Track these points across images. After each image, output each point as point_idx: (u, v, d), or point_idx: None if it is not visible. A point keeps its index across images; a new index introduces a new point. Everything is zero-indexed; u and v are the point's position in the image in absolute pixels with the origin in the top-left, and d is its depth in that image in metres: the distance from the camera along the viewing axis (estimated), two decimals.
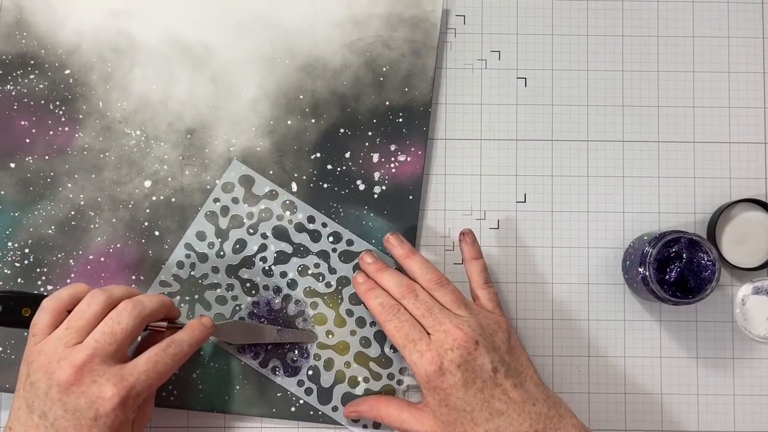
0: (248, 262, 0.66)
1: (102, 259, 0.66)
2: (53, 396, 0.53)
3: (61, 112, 0.67)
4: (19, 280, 0.65)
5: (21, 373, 0.55)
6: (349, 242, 0.66)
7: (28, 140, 0.66)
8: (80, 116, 0.67)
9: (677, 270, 0.61)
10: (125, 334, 0.55)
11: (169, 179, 0.67)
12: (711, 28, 0.69)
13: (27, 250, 0.66)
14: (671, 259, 0.61)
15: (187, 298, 0.65)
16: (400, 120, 0.67)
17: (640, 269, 0.61)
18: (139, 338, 0.60)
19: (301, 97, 0.67)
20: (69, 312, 0.57)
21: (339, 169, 0.67)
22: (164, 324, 0.59)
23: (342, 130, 0.67)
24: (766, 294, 0.67)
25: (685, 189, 0.68)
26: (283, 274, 0.66)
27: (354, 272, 0.65)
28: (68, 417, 0.52)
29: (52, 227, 0.66)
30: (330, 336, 0.65)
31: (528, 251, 0.67)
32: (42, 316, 0.56)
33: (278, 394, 0.65)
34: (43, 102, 0.67)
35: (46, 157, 0.66)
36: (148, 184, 0.67)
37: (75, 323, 0.55)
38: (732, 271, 0.67)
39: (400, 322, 0.58)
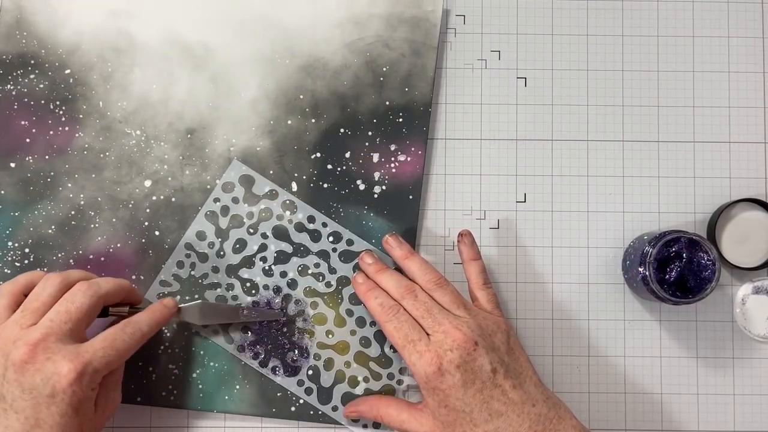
0: (248, 261, 0.66)
1: (102, 258, 0.66)
2: (10, 377, 0.53)
3: (61, 112, 0.67)
4: None
5: None
6: (349, 242, 0.66)
7: (28, 140, 0.66)
8: (80, 116, 0.67)
9: (677, 270, 0.61)
10: (80, 313, 0.55)
11: (169, 179, 0.66)
12: (711, 28, 0.69)
13: (27, 250, 0.65)
14: (671, 258, 0.61)
15: (187, 297, 0.65)
16: (400, 120, 0.67)
17: (640, 269, 0.61)
18: (106, 326, 0.60)
19: (301, 97, 0.67)
20: (26, 296, 0.57)
21: (339, 168, 0.67)
22: (125, 308, 0.60)
23: (342, 130, 0.67)
24: (766, 294, 0.66)
25: (685, 189, 0.68)
26: (283, 274, 0.66)
27: (354, 272, 0.65)
28: (25, 397, 0.53)
29: (52, 227, 0.66)
30: (330, 336, 0.65)
31: (528, 251, 0.67)
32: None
33: (278, 394, 0.65)
34: (43, 102, 0.67)
35: (47, 157, 0.66)
36: (148, 183, 0.66)
37: (30, 305, 0.56)
38: (732, 271, 0.67)
39: (400, 323, 0.58)
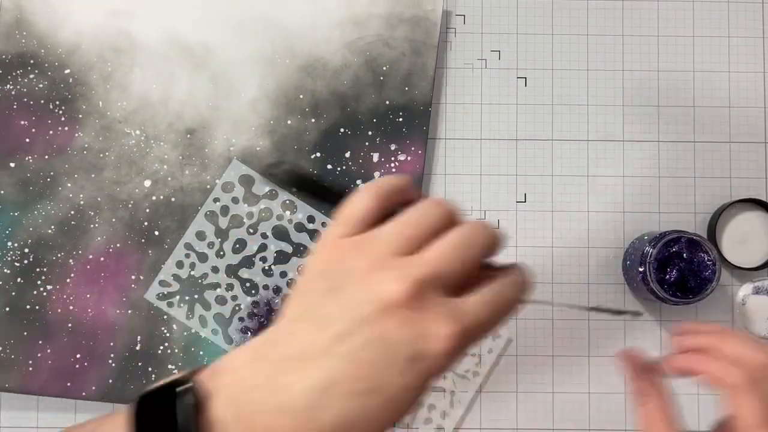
0: (248, 261, 0.66)
1: (102, 258, 0.65)
2: (365, 315, 0.36)
3: (60, 112, 0.67)
4: (18, 279, 0.65)
5: (303, 281, 0.39)
6: None
7: (27, 140, 0.66)
8: (80, 116, 0.67)
9: (677, 270, 0.61)
10: (473, 264, 0.38)
11: (169, 179, 0.66)
12: (711, 28, 0.69)
13: (27, 250, 0.65)
14: (671, 258, 0.61)
15: (186, 297, 0.65)
16: (401, 119, 0.67)
17: (640, 269, 0.61)
18: None
19: (301, 96, 0.67)
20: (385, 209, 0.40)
21: (339, 168, 0.66)
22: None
23: (342, 130, 0.67)
24: (766, 294, 0.66)
25: (685, 189, 0.68)
26: (283, 274, 0.65)
27: None
28: (375, 347, 0.36)
29: (52, 227, 0.66)
30: None
31: (528, 251, 0.67)
32: (358, 204, 0.39)
33: None
34: (43, 102, 0.66)
35: (46, 157, 0.66)
36: (147, 183, 0.66)
37: (407, 229, 0.38)
38: (732, 271, 0.67)
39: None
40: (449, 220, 0.39)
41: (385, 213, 0.39)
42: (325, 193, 0.42)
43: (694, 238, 0.60)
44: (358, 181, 0.66)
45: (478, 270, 0.38)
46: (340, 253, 0.38)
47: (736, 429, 0.48)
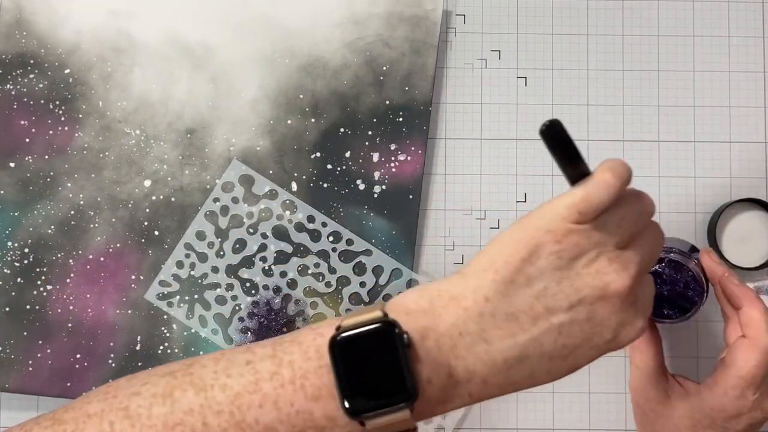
0: (248, 261, 0.65)
1: (102, 258, 0.65)
2: (583, 296, 0.40)
3: (60, 112, 0.66)
4: (18, 279, 0.65)
5: (531, 253, 0.40)
6: (349, 242, 0.66)
7: (27, 140, 0.66)
8: (80, 116, 0.66)
9: (667, 288, 0.60)
10: (650, 267, 0.43)
11: (169, 179, 0.66)
12: (711, 28, 0.69)
13: (26, 250, 0.65)
14: (658, 275, 0.59)
15: (186, 297, 0.65)
16: (401, 119, 0.66)
17: None
18: None
19: (301, 96, 0.67)
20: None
21: (339, 168, 0.66)
22: None
23: (342, 130, 0.66)
24: (766, 294, 0.66)
25: (685, 189, 0.67)
26: (283, 274, 0.65)
27: (353, 271, 0.65)
28: (583, 325, 0.40)
29: (52, 227, 0.65)
30: None
31: None
32: (609, 194, 0.41)
33: None
34: (42, 101, 0.66)
35: (46, 157, 0.66)
36: (147, 183, 0.66)
37: (630, 226, 0.42)
38: (732, 271, 0.66)
39: None
40: (650, 227, 0.44)
41: None
42: (572, 163, 0.43)
43: (676, 260, 0.58)
44: (358, 181, 0.66)
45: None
46: (572, 240, 0.40)
47: (734, 372, 0.54)
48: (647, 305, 0.43)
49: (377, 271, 0.65)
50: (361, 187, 0.66)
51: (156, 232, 0.65)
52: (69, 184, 0.66)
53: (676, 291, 0.60)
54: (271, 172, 0.66)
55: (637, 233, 0.42)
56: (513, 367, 0.40)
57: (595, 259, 0.41)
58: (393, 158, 0.66)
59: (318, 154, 0.66)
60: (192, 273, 0.65)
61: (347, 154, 0.66)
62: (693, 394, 0.57)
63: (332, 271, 0.65)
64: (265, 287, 0.65)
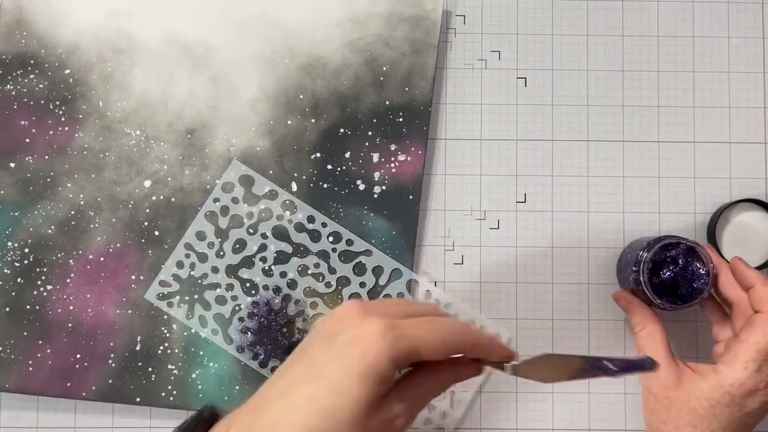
0: (248, 262, 0.64)
1: (102, 259, 0.64)
2: (322, 328, 0.45)
3: (60, 112, 0.65)
4: (18, 279, 0.64)
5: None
6: (349, 242, 0.65)
7: (27, 140, 0.65)
8: (80, 116, 0.65)
9: (671, 274, 0.59)
10: (401, 311, 0.46)
11: (169, 179, 0.65)
12: (711, 28, 0.68)
13: (27, 250, 0.64)
14: (666, 262, 0.59)
15: (186, 298, 0.64)
16: (401, 119, 0.65)
17: (633, 268, 0.60)
18: None
19: (301, 96, 0.66)
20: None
21: (339, 169, 0.65)
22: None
23: (342, 130, 0.66)
24: None
25: (685, 189, 0.67)
26: (283, 274, 0.64)
27: (353, 271, 0.64)
28: (321, 340, 0.45)
29: (52, 227, 0.64)
30: None
31: (528, 251, 0.66)
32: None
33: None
34: (42, 102, 0.65)
35: (46, 157, 0.65)
36: (147, 183, 0.65)
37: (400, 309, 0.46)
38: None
39: None
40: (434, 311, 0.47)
41: None
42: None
43: (693, 246, 0.59)
44: (358, 181, 0.65)
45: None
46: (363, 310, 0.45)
47: (752, 346, 0.55)
48: (396, 322, 0.44)
49: (377, 271, 0.65)
50: (361, 187, 0.65)
51: (156, 233, 0.65)
52: (69, 185, 0.65)
53: (686, 277, 0.59)
54: (271, 172, 0.65)
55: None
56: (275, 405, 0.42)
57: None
58: (393, 159, 0.65)
59: (318, 155, 0.65)
60: (192, 273, 0.64)
61: (347, 155, 0.65)
62: (709, 373, 0.57)
63: (332, 271, 0.64)
64: (265, 287, 0.64)
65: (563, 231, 0.66)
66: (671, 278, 0.59)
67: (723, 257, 0.64)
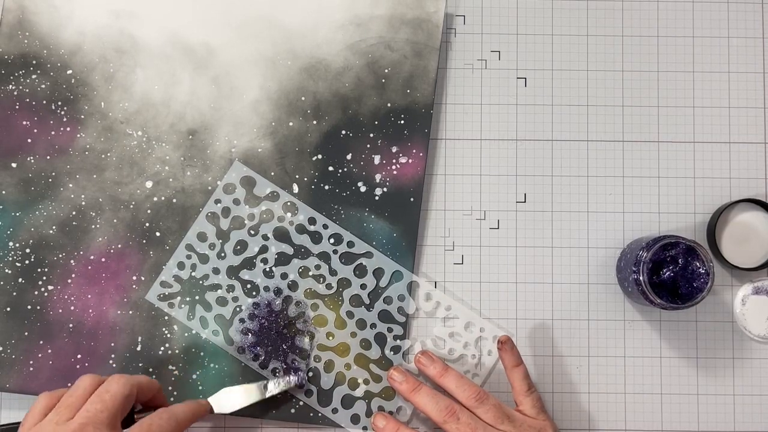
0: (249, 263, 0.60)
1: (103, 259, 0.60)
2: None
3: (62, 113, 0.61)
4: (20, 279, 0.60)
5: None
6: (350, 244, 0.60)
7: (29, 140, 0.61)
8: (82, 116, 0.61)
9: (670, 274, 0.56)
10: (115, 401, 0.51)
11: (171, 180, 0.61)
12: (711, 28, 0.64)
13: (28, 250, 0.60)
14: (666, 262, 0.57)
15: (187, 299, 0.60)
16: (402, 122, 0.61)
17: (633, 268, 0.56)
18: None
19: (303, 98, 0.62)
20: None
21: (340, 170, 0.61)
22: (151, 412, 0.53)
23: (343, 132, 0.61)
24: (766, 294, 0.63)
25: (685, 189, 0.63)
26: (284, 276, 0.60)
27: (354, 274, 0.59)
28: None
29: (53, 227, 0.60)
30: (330, 338, 0.60)
31: (528, 251, 0.62)
32: (36, 405, 0.52)
33: (278, 396, 0.59)
34: (45, 102, 0.61)
35: (48, 157, 0.61)
36: (149, 184, 0.61)
37: (65, 401, 0.51)
38: (732, 271, 0.63)
39: None
40: (98, 382, 0.52)
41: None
42: None
43: (693, 245, 0.55)
44: (359, 183, 0.61)
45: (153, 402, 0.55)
46: None
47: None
48: None
49: (378, 273, 0.60)
50: (363, 189, 0.61)
51: (157, 233, 0.60)
52: (71, 185, 0.60)
53: (685, 277, 0.57)
54: (272, 173, 0.61)
55: (85, 398, 0.51)
56: None
57: None
58: (394, 161, 0.61)
59: (319, 156, 0.61)
60: (193, 274, 0.60)
61: (348, 157, 0.61)
62: None
63: (333, 273, 0.60)
64: (266, 289, 0.60)
65: (563, 231, 0.63)
66: (671, 278, 0.57)
67: (723, 257, 0.60)
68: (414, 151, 0.62)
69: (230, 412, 0.57)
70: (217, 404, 0.57)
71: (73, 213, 0.61)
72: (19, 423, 0.53)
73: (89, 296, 0.60)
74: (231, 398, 0.57)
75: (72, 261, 0.60)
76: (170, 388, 0.59)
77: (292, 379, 0.59)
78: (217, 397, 0.57)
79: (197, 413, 0.55)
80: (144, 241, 0.61)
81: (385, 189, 0.61)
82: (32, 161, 0.61)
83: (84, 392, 0.52)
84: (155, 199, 0.61)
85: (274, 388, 0.58)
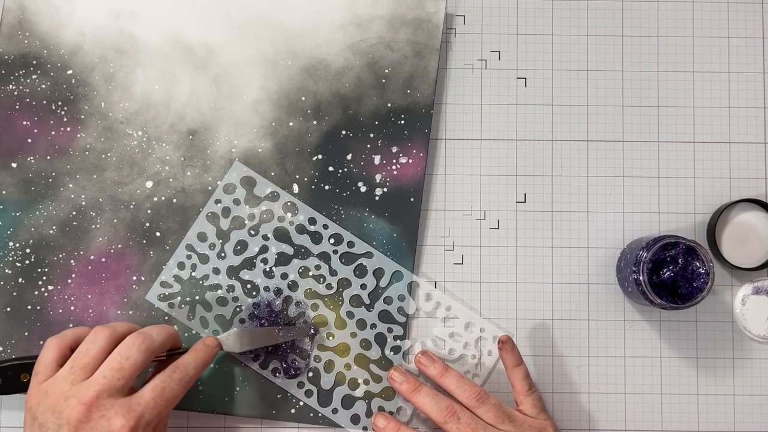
0: (249, 263, 0.59)
1: (103, 259, 0.59)
2: None
3: (63, 113, 0.60)
4: (20, 279, 0.59)
5: (26, 417, 0.50)
6: (350, 244, 0.60)
7: (29, 140, 0.60)
8: (82, 116, 0.61)
9: (670, 274, 0.56)
10: (134, 369, 0.50)
11: (171, 180, 0.60)
12: (711, 28, 0.64)
13: (28, 250, 0.59)
14: (666, 262, 0.56)
15: (187, 299, 0.59)
16: (402, 122, 0.61)
17: (633, 268, 0.56)
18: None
19: (303, 98, 0.61)
20: (72, 350, 0.52)
21: (340, 170, 0.60)
22: (164, 354, 0.54)
23: (344, 132, 0.61)
24: (766, 294, 0.62)
25: (685, 189, 0.63)
26: (284, 276, 0.59)
27: (354, 274, 0.59)
28: None
29: (54, 227, 0.59)
30: (330, 338, 0.59)
31: (528, 251, 0.62)
32: (46, 354, 0.51)
33: (278, 396, 0.58)
34: (45, 102, 0.60)
35: (48, 157, 0.60)
36: (149, 184, 0.60)
37: (80, 361, 0.50)
38: (732, 271, 0.62)
39: None
40: (114, 339, 0.51)
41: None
42: None
43: (693, 245, 0.54)
44: (360, 183, 0.60)
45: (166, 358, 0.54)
46: (36, 396, 0.50)
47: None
48: (131, 403, 0.49)
49: (378, 273, 0.60)
50: (363, 189, 0.60)
51: (157, 233, 0.60)
52: (71, 185, 0.60)
53: (685, 277, 0.56)
54: (272, 173, 0.60)
55: (102, 358, 0.51)
56: None
57: (56, 403, 0.49)
58: (394, 161, 0.60)
59: (319, 156, 0.60)
60: (193, 274, 0.59)
61: (349, 157, 0.60)
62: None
63: (333, 273, 0.59)
64: (266, 289, 0.59)
65: (563, 231, 0.62)
66: (671, 278, 0.57)
67: (723, 257, 0.60)
68: (414, 151, 0.61)
69: (240, 351, 0.57)
70: (226, 343, 0.56)
71: (73, 213, 0.60)
72: (31, 361, 0.52)
73: (89, 296, 0.59)
74: (243, 339, 0.56)
75: (72, 261, 0.60)
76: None
77: (304, 327, 0.59)
78: (227, 335, 0.56)
79: (208, 359, 0.54)
80: (144, 241, 0.60)
81: (385, 189, 0.61)
82: (32, 161, 0.60)
83: (100, 352, 0.50)
84: (155, 199, 0.60)
85: (285, 334, 0.58)
